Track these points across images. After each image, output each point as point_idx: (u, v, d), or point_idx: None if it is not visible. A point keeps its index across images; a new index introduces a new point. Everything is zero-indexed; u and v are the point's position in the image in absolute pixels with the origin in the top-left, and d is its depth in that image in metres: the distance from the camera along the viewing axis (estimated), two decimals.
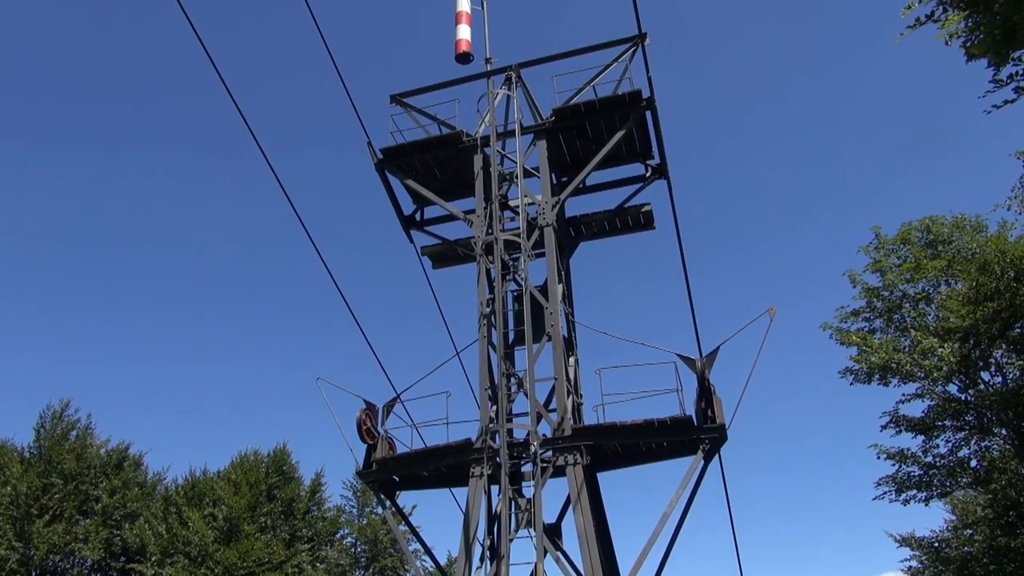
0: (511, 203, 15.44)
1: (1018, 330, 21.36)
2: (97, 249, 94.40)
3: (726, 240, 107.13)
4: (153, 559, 32.27)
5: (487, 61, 16.24)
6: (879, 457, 24.20)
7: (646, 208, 16.01)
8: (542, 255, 14.44)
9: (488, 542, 12.90)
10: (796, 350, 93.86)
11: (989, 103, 7.44)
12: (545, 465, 12.55)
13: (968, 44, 6.86)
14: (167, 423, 76.00)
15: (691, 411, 12.47)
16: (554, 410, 13.18)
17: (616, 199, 16.22)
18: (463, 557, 12.33)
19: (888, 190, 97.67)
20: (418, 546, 30.31)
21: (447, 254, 16.95)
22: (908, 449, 23.98)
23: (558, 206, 14.88)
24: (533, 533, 12.09)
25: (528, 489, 13.07)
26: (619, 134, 14.84)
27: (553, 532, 13.35)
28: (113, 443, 36.62)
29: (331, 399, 14.11)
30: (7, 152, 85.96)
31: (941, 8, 6.74)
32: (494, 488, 13.17)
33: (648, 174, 15.90)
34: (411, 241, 16.91)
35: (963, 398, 22.95)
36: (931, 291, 24.09)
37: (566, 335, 14.55)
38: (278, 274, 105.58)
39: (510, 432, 12.84)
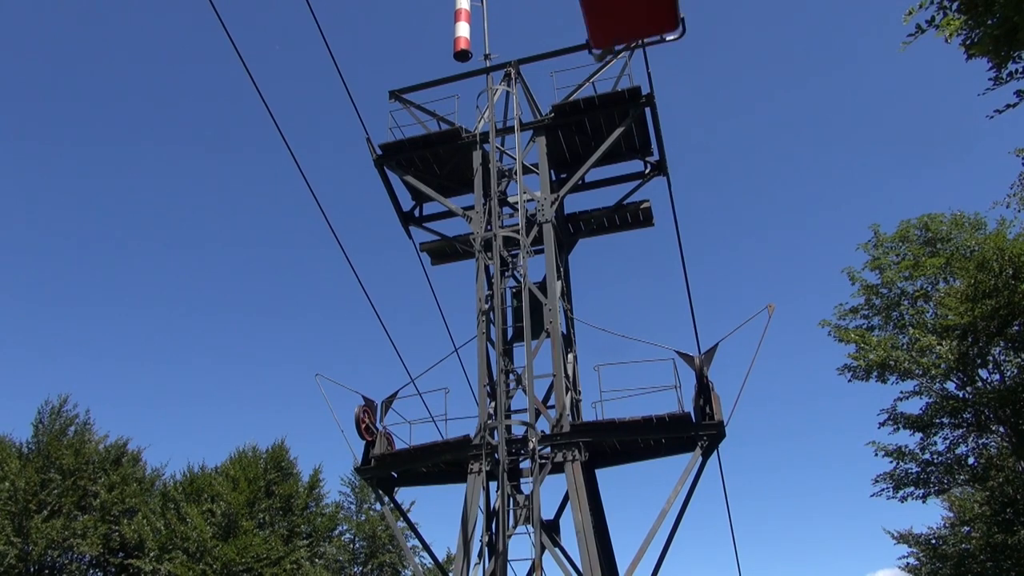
0: (510, 199, 15.40)
1: (1016, 328, 21.38)
2: (96, 244, 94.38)
3: (725, 237, 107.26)
4: (151, 555, 32.27)
5: (486, 57, 16.17)
6: (877, 454, 24.30)
7: (645, 205, 15.97)
8: (541, 251, 14.41)
9: (486, 538, 12.90)
10: (794, 347, 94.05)
11: (990, 106, 7.44)
12: (543, 462, 12.55)
13: (968, 42, 6.85)
14: (165, 419, 76.03)
15: (689, 408, 12.47)
16: (553, 407, 13.17)
17: (615, 196, 16.21)
18: (461, 553, 12.34)
19: (887, 188, 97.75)
20: (416, 542, 30.45)
21: (446, 250, 16.94)
22: (906, 446, 24.06)
23: (557, 202, 14.86)
24: (531, 530, 12.09)
25: (526, 486, 13.07)
26: (618, 131, 14.81)
27: (551, 529, 13.36)
28: (112, 439, 36.70)
29: (329, 395, 14.13)
30: (6, 148, 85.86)
31: (942, 13, 6.72)
32: (492, 484, 13.18)
33: (647, 171, 15.88)
34: (410, 237, 16.91)
35: (961, 395, 23.00)
36: (930, 288, 24.13)
37: (565, 332, 14.55)
38: (276, 270, 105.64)
39: (509, 428, 12.81)
